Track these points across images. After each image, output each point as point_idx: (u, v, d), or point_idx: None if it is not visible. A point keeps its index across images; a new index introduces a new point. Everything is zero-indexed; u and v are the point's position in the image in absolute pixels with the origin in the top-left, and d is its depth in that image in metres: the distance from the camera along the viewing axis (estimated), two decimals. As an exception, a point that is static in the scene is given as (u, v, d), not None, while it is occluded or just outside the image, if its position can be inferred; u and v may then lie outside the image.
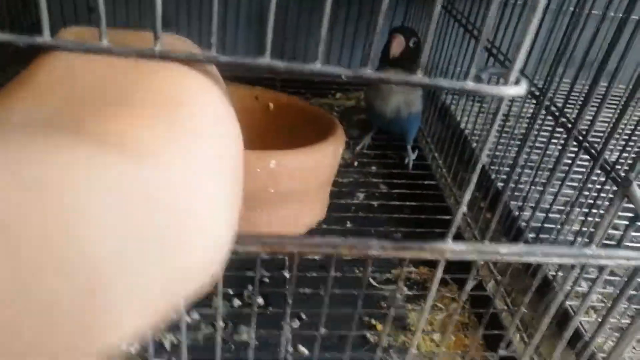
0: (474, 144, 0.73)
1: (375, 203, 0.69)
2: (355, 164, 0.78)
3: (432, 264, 0.61)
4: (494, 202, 0.62)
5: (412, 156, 0.75)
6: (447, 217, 0.61)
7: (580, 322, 0.51)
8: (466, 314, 0.56)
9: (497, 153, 0.66)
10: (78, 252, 0.10)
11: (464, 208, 0.27)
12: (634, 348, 0.53)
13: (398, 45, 0.65)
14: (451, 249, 0.29)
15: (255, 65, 0.21)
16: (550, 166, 0.48)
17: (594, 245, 0.30)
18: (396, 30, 0.67)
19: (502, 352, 0.41)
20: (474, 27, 0.68)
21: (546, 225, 0.52)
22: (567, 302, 0.51)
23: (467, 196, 0.27)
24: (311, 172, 0.46)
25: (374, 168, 0.78)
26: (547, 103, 0.48)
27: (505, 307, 0.55)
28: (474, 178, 0.26)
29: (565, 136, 0.45)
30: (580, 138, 0.43)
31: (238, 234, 0.18)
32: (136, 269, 0.11)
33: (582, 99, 0.50)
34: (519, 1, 0.62)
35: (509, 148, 0.62)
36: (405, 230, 0.65)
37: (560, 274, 0.52)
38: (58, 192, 0.10)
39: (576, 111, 0.44)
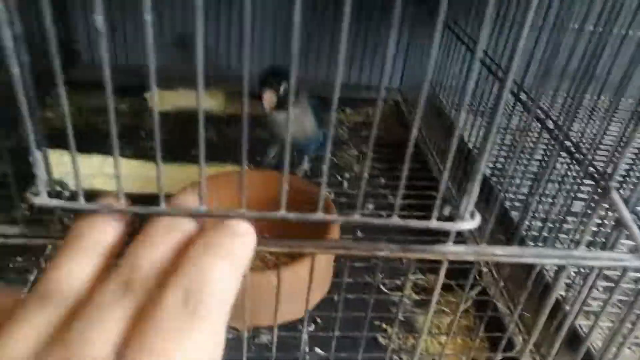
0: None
1: (384, 213, 0.73)
2: (365, 175, 0.82)
3: (438, 271, 0.64)
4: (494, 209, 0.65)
5: (306, 165, 0.79)
6: (443, 180, 0.64)
7: (579, 326, 0.54)
8: (471, 318, 0.59)
9: (497, 165, 0.70)
10: None
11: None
12: (632, 351, 0.56)
13: (269, 102, 0.64)
14: (452, 250, 0.32)
15: (272, 217, 0.29)
16: (548, 177, 0.51)
17: (581, 247, 0.33)
18: (265, 81, 0.65)
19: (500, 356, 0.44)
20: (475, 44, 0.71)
21: (546, 234, 0.55)
22: (567, 307, 0.53)
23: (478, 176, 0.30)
24: (307, 277, 0.50)
25: (382, 180, 0.81)
26: (556, 132, 0.51)
27: (509, 312, 0.57)
28: (477, 184, 0.30)
29: (558, 148, 0.48)
30: (573, 150, 0.46)
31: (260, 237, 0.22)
32: None
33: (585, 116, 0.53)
34: (517, 20, 0.65)
35: (509, 160, 0.65)
36: (413, 238, 0.68)
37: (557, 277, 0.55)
38: None
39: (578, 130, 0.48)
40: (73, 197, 0.29)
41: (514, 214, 0.64)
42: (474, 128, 0.77)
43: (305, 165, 0.79)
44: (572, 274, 0.55)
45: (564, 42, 0.49)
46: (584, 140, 0.47)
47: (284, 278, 0.47)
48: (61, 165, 0.62)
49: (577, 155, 0.44)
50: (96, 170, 0.67)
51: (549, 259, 0.33)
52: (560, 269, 0.36)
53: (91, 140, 0.56)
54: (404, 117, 1.00)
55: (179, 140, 0.84)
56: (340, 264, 0.62)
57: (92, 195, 0.28)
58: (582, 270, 0.53)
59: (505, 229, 0.63)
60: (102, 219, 0.22)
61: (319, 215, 0.30)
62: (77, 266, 0.20)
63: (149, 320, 0.17)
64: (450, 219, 0.31)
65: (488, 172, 0.72)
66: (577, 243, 0.33)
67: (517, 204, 0.62)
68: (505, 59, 0.65)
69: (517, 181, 0.60)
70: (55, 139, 0.31)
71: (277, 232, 0.57)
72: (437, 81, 0.85)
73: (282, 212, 0.30)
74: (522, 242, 0.59)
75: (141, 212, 0.29)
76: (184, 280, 0.19)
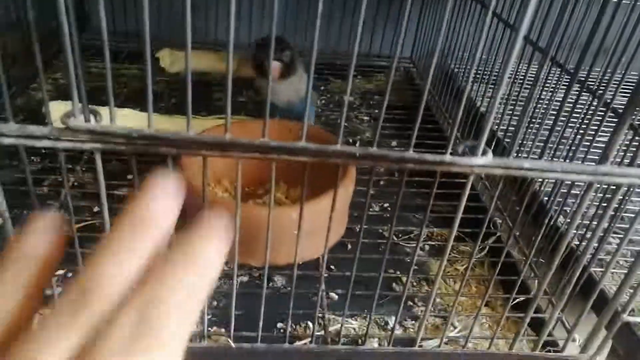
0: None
1: (396, 175, 0.73)
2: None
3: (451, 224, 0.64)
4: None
5: (311, 121, 0.77)
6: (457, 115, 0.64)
7: (594, 272, 0.54)
8: (485, 266, 0.59)
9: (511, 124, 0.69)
10: None
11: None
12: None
13: (276, 71, 0.64)
14: (479, 162, 0.32)
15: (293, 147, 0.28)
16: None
17: (608, 163, 0.33)
18: (261, 47, 0.64)
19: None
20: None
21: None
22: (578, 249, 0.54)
23: (494, 109, 0.30)
24: (326, 214, 0.50)
25: (394, 143, 0.81)
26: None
27: (523, 259, 0.57)
28: (489, 123, 0.30)
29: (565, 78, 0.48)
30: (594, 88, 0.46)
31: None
32: None
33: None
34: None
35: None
36: (427, 201, 0.69)
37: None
38: None
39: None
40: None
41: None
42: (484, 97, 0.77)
43: (312, 119, 0.79)
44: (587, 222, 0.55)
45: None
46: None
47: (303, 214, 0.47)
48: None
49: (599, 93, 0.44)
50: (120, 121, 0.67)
51: (578, 174, 0.33)
52: (588, 188, 0.36)
53: (98, 99, 0.56)
54: (414, 83, 1.00)
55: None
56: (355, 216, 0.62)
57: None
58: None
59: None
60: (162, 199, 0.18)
61: (338, 147, 0.30)
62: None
63: (100, 342, 0.16)
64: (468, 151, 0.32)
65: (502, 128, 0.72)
66: (604, 158, 0.33)
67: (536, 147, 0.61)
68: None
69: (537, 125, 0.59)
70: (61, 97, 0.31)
71: (295, 176, 0.57)
72: (449, 49, 0.84)
73: (303, 143, 0.30)
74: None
75: (172, 137, 0.30)
76: (140, 302, 0.17)
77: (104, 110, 0.31)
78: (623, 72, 0.47)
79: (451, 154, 0.31)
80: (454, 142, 0.32)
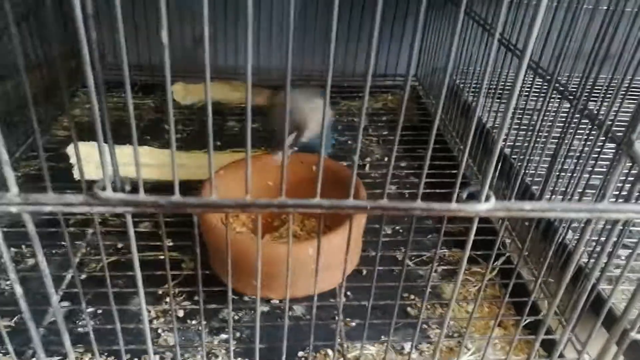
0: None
1: (406, 193, 0.75)
2: (386, 159, 0.84)
3: (463, 246, 0.66)
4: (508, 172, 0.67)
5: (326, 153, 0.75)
6: (461, 166, 0.66)
7: (602, 290, 0.55)
8: (497, 287, 0.61)
9: (517, 143, 0.71)
10: None
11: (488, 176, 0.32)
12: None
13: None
14: (484, 207, 0.34)
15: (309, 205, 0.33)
16: (564, 141, 0.53)
17: (605, 201, 0.35)
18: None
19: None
20: (490, 26, 0.73)
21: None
22: (588, 270, 0.55)
23: (494, 160, 0.33)
24: (342, 248, 0.53)
25: (403, 163, 0.83)
26: (557, 85, 0.53)
27: (533, 279, 0.59)
28: (491, 171, 0.32)
29: (572, 110, 0.50)
30: (594, 115, 0.48)
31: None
32: None
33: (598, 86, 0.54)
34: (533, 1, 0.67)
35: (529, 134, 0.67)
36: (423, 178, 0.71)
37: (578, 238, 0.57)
38: None
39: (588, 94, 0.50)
40: (134, 189, 0.32)
41: (535, 188, 0.65)
42: (491, 111, 0.79)
43: (326, 152, 0.80)
44: (593, 243, 0.57)
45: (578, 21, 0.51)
46: (603, 110, 0.49)
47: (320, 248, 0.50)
48: (96, 156, 0.65)
49: (598, 120, 0.46)
50: (129, 159, 0.70)
51: (575, 212, 0.35)
52: (587, 223, 0.38)
53: (119, 133, 0.59)
54: (421, 101, 1.02)
55: (201, 131, 0.88)
56: (368, 239, 0.64)
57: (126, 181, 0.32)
58: (602, 239, 0.55)
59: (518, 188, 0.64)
60: None
61: (350, 202, 0.33)
62: None
63: None
64: (471, 196, 0.34)
65: (507, 150, 0.74)
66: (602, 196, 0.35)
67: (537, 179, 0.64)
68: (521, 37, 0.66)
69: (537, 157, 0.61)
70: (82, 134, 0.33)
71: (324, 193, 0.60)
72: (453, 65, 0.86)
73: (317, 200, 0.33)
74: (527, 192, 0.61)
75: (197, 203, 0.32)
76: None
77: (127, 149, 0.33)
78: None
79: (457, 201, 0.34)
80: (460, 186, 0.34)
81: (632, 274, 0.62)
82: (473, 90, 0.84)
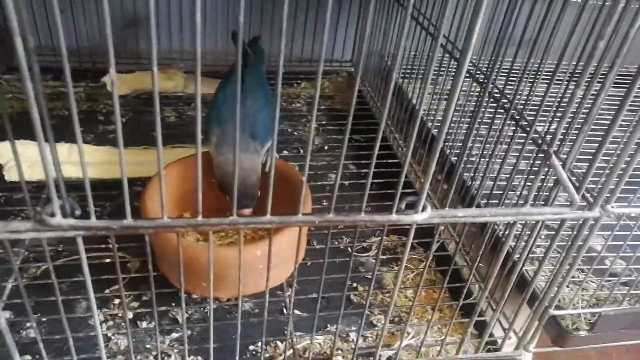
0: (429, 123, 0.82)
1: (346, 182, 0.78)
2: (326, 147, 0.86)
3: (400, 233, 0.70)
4: (449, 174, 0.71)
5: (275, 155, 0.73)
6: (410, 190, 0.70)
7: (526, 271, 0.61)
8: (432, 272, 0.65)
9: (449, 130, 0.75)
10: None
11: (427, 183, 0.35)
12: (569, 289, 0.64)
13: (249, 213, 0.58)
14: (421, 217, 0.37)
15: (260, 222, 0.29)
16: (494, 140, 0.57)
17: (528, 205, 0.39)
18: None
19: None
20: (429, 23, 0.76)
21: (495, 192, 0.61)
22: (515, 256, 0.61)
23: (430, 171, 0.35)
24: (289, 247, 0.55)
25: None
26: (490, 88, 0.56)
27: (465, 264, 0.64)
28: (433, 160, 0.34)
29: (504, 116, 0.54)
30: (517, 117, 0.52)
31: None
32: None
33: (521, 79, 0.58)
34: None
35: (460, 126, 0.71)
36: (374, 204, 0.74)
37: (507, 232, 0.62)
38: None
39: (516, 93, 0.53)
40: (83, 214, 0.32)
41: (467, 175, 0.70)
42: (418, 91, 0.82)
43: (274, 156, 0.76)
44: (519, 226, 0.62)
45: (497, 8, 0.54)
46: (527, 105, 0.53)
47: (264, 250, 0.52)
48: (27, 155, 0.63)
49: (522, 123, 0.50)
50: (64, 158, 0.68)
51: (503, 217, 0.39)
52: (512, 224, 0.42)
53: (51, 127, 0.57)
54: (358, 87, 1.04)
55: (139, 123, 0.86)
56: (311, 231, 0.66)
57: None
58: (528, 222, 0.60)
59: (459, 190, 0.69)
60: None
61: (300, 217, 0.35)
62: None
63: None
64: (410, 205, 0.36)
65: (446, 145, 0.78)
66: (525, 201, 0.39)
67: (469, 165, 0.68)
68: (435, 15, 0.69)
69: (469, 149, 0.65)
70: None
71: (258, 204, 0.61)
72: (385, 49, 0.89)
73: (268, 217, 0.35)
74: (472, 201, 0.65)
75: (148, 225, 0.33)
76: None
77: (62, 148, 0.33)
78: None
79: (396, 212, 0.36)
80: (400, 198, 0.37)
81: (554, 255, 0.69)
82: (403, 73, 0.88)
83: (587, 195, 0.41)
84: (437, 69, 0.76)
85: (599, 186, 0.40)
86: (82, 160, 0.30)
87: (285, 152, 0.85)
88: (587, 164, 0.39)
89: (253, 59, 0.70)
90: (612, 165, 0.39)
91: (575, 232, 0.44)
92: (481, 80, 0.61)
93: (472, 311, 0.52)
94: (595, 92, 0.36)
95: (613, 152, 0.49)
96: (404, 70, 0.88)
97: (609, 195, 0.41)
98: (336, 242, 0.68)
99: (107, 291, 0.57)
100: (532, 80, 0.56)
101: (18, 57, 0.26)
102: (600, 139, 0.37)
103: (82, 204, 0.33)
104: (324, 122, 0.91)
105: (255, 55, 0.73)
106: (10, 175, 0.65)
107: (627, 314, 0.57)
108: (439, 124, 0.36)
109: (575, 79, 0.36)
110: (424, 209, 0.37)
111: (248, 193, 0.57)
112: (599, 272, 0.61)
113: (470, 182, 0.66)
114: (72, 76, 0.28)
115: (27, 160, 0.64)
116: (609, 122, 0.36)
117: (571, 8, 0.48)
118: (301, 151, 0.85)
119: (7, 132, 0.30)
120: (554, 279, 0.50)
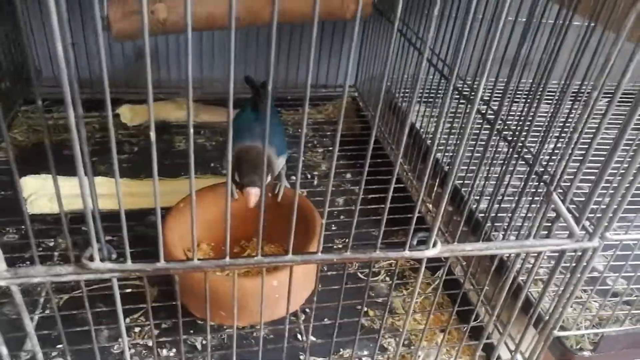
0: (438, 155, 0.84)
1: (353, 207, 0.80)
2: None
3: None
4: (459, 204, 0.73)
5: (286, 183, 0.71)
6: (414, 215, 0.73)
7: (530, 293, 0.63)
8: (439, 294, 0.68)
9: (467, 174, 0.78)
10: None
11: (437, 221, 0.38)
12: (573, 309, 0.66)
13: (256, 196, 0.58)
14: (431, 252, 0.40)
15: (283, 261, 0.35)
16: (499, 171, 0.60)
17: (531, 238, 0.42)
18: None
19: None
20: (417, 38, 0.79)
21: (500, 215, 0.64)
22: (520, 278, 0.63)
23: (441, 211, 0.38)
24: (303, 276, 0.58)
25: (349, 175, 0.89)
26: (498, 127, 0.59)
27: (472, 287, 0.66)
28: (445, 195, 0.37)
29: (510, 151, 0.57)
30: (520, 152, 0.55)
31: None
32: None
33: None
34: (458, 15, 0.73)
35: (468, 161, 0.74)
36: (387, 229, 0.76)
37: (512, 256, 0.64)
38: None
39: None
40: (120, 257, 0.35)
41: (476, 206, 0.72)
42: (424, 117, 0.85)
43: (285, 182, 0.74)
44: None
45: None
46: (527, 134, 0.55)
47: (280, 280, 0.54)
48: (48, 187, 0.65)
49: (529, 161, 0.53)
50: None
51: (507, 249, 0.42)
52: (517, 256, 0.44)
53: (64, 159, 0.60)
54: (361, 113, 1.07)
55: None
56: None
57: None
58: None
59: (469, 222, 0.71)
60: None
61: (319, 256, 0.37)
62: None
63: None
64: (421, 241, 0.39)
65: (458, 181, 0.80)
66: (528, 234, 0.42)
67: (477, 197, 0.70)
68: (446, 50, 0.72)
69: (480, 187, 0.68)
70: (26, 161, 0.32)
71: (269, 231, 0.63)
72: (392, 85, 0.92)
73: (290, 256, 0.37)
74: (476, 227, 0.68)
75: (179, 267, 0.35)
76: None
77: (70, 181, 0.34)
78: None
79: (409, 249, 0.39)
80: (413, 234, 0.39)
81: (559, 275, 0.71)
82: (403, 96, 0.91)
83: (587, 224, 0.43)
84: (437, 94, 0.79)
85: (598, 215, 0.43)
86: (122, 220, 0.33)
87: (292, 178, 0.87)
88: (587, 191, 0.41)
89: (263, 95, 0.73)
90: (612, 192, 0.42)
91: (575, 262, 0.46)
92: (491, 122, 0.64)
93: (479, 334, 0.54)
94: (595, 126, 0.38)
95: (612, 177, 0.52)
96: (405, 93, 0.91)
97: (607, 223, 0.43)
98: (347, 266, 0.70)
99: (127, 320, 0.60)
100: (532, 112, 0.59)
101: (64, 94, 0.28)
102: (600, 164, 0.40)
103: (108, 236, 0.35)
104: (330, 149, 0.94)
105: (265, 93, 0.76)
106: (33, 208, 0.68)
107: (628, 334, 0.59)
108: (445, 155, 0.39)
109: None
110: (434, 245, 0.39)
111: (258, 173, 0.58)
112: (602, 292, 0.63)
113: (476, 211, 0.68)
114: (85, 106, 0.30)
115: (48, 193, 0.67)
116: (609, 146, 0.38)
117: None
118: (309, 176, 0.88)
119: (31, 166, 0.32)
120: (558, 301, 0.52)
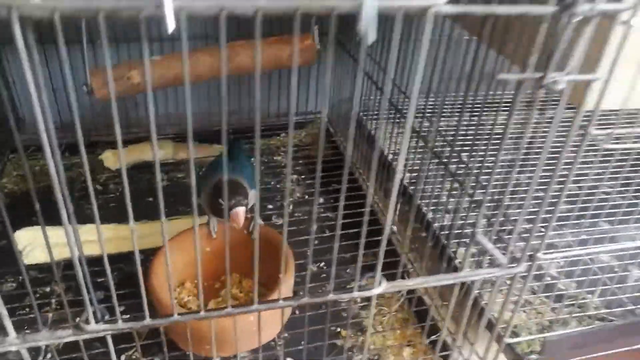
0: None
1: (327, 232, 0.87)
2: (306, 197, 0.96)
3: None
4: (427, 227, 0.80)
5: (259, 220, 0.75)
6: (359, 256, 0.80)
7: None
8: (405, 311, 0.75)
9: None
10: None
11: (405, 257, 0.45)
12: (524, 311, 0.73)
13: (242, 216, 0.63)
14: (378, 290, 0.46)
15: (248, 311, 0.39)
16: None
17: (466, 269, 0.49)
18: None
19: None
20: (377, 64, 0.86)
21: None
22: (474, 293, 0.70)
23: (382, 253, 0.45)
24: (277, 311, 0.60)
25: (321, 200, 0.95)
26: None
27: (431, 301, 0.73)
28: (379, 265, 0.44)
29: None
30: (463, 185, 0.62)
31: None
32: None
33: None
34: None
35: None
36: (354, 253, 0.83)
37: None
38: None
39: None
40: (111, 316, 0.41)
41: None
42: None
43: (258, 219, 0.83)
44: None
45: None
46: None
47: (256, 315, 0.60)
48: (41, 239, 0.71)
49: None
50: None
51: (445, 281, 0.49)
52: (452, 286, 0.51)
53: (54, 205, 0.66)
54: (332, 137, 1.13)
55: (134, 191, 0.95)
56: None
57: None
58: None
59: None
60: None
61: (281, 303, 0.44)
62: None
63: None
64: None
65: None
66: (462, 267, 0.49)
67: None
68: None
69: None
70: (18, 209, 0.34)
71: (246, 266, 0.70)
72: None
73: (256, 306, 0.43)
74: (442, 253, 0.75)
75: (165, 323, 0.42)
76: None
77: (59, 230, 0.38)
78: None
79: (358, 289, 0.46)
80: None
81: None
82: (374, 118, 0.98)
83: (515, 251, 0.50)
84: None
85: (523, 243, 0.50)
86: (110, 283, 0.39)
87: (270, 206, 0.94)
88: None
89: (236, 145, 0.80)
90: (534, 219, 0.48)
91: (509, 284, 0.53)
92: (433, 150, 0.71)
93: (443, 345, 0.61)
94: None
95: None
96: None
97: (538, 243, 0.50)
98: (319, 291, 0.77)
99: (123, 357, 0.66)
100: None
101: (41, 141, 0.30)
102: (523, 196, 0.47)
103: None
104: (303, 175, 1.01)
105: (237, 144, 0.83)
106: (29, 260, 0.74)
107: (570, 336, 0.66)
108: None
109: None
110: (380, 283, 0.46)
111: (240, 194, 0.63)
112: (554, 295, 0.70)
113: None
114: (70, 149, 0.36)
115: (42, 243, 0.73)
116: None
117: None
118: (281, 203, 0.94)
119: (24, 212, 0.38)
120: (501, 312, 0.60)
